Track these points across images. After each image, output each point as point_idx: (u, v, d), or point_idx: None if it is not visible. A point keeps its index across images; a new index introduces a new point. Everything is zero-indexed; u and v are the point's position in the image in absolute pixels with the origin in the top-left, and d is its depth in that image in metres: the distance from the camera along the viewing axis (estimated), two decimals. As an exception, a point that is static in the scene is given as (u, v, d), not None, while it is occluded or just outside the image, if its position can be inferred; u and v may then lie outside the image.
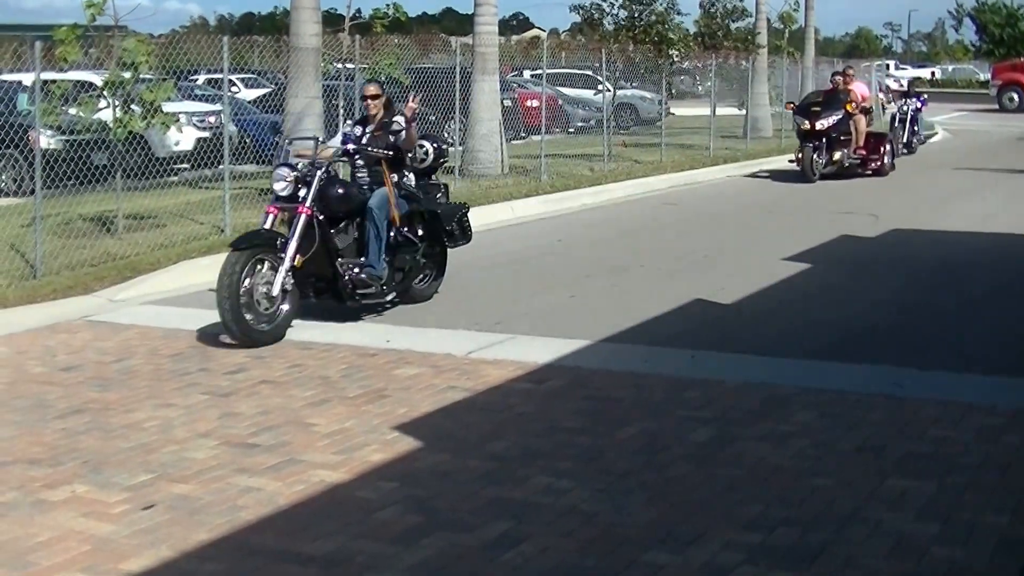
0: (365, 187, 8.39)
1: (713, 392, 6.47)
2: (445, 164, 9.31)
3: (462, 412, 6.15)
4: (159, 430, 5.81)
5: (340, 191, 8.06)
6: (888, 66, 54.92)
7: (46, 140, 11.56)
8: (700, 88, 35.03)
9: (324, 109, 14.54)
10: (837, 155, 18.79)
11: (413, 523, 4.59)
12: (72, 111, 11.50)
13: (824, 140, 18.64)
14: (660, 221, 14.46)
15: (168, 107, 11.68)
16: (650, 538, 4.44)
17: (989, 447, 5.51)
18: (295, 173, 7.86)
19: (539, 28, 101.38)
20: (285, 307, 7.65)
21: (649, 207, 15.94)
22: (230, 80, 13.94)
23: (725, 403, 6.27)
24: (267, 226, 7.79)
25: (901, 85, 26.32)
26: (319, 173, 7.83)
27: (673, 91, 27.31)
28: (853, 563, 4.22)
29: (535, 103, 22.18)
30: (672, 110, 30.12)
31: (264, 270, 7.55)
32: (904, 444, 5.55)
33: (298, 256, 7.61)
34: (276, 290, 7.54)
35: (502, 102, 18.51)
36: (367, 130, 8.57)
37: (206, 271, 10.11)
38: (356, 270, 8.04)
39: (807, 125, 18.61)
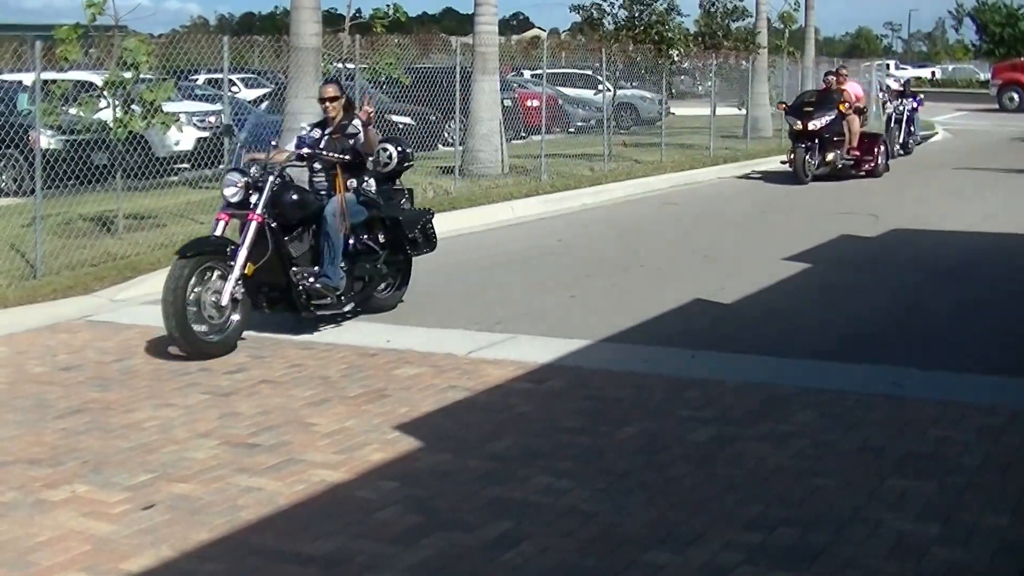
0: (323, 193, 8.06)
1: (713, 392, 6.47)
2: (410, 167, 9.00)
3: (462, 412, 6.15)
4: (159, 430, 5.81)
5: (294, 197, 7.73)
6: (888, 66, 54.88)
7: (46, 140, 11.56)
8: (700, 88, 35.02)
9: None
10: (830, 156, 18.52)
11: (413, 523, 4.59)
12: (72, 111, 11.50)
13: (817, 141, 18.36)
14: (660, 221, 14.46)
15: (168, 107, 11.68)
16: (650, 538, 4.44)
17: (989, 447, 5.51)
18: (246, 178, 7.53)
19: (539, 28, 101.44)
20: (235, 317, 7.35)
21: (649, 207, 15.94)
22: (230, 80, 13.94)
23: (725, 403, 6.27)
24: (217, 233, 7.48)
25: (901, 85, 26.25)
26: (271, 178, 7.51)
27: (673, 91, 27.31)
28: (853, 563, 4.22)
29: (535, 103, 22.18)
30: (672, 110, 30.12)
31: (213, 279, 7.25)
32: (904, 444, 5.55)
33: (249, 264, 7.33)
34: (225, 299, 7.23)
35: (502, 102, 18.50)
36: (326, 133, 8.24)
37: (206, 271, 10.14)
38: (311, 279, 7.69)
39: (799, 125, 18.36)
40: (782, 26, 29.90)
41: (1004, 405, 6.20)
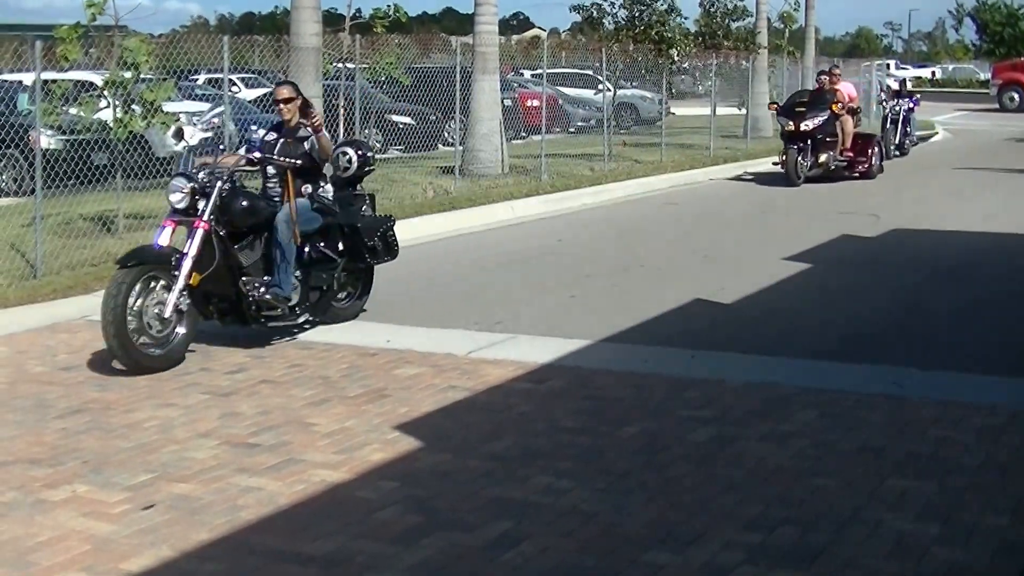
0: (277, 199, 7.73)
1: (713, 392, 6.47)
2: (371, 171, 8.54)
3: (462, 412, 6.15)
4: (159, 430, 5.81)
5: (244, 203, 7.39)
6: (888, 66, 54.89)
7: (46, 140, 11.56)
8: (700, 88, 35.02)
9: (324, 109, 14.54)
10: (823, 157, 18.15)
11: (413, 523, 4.59)
12: (72, 111, 11.50)
13: (809, 142, 17.99)
14: (660, 221, 14.46)
15: (168, 107, 11.68)
16: (650, 538, 4.44)
17: (989, 447, 5.51)
18: (192, 184, 7.20)
19: (539, 28, 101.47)
20: (180, 330, 7.02)
21: (649, 207, 15.95)
22: (230, 80, 13.94)
23: (725, 403, 6.27)
24: (162, 241, 7.14)
25: (907, 85, 26.25)
26: (219, 184, 7.22)
27: (673, 91, 27.30)
28: (853, 563, 4.22)
29: (535, 103, 22.18)
30: (672, 110, 30.13)
31: (157, 289, 6.93)
32: (904, 444, 5.55)
33: (194, 274, 7.01)
34: (169, 311, 6.90)
35: (502, 102, 18.51)
36: (281, 137, 7.91)
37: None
38: (261, 290, 7.39)
39: (791, 126, 17.98)
40: (782, 26, 29.90)
41: (1004, 405, 6.20)
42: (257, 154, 7.76)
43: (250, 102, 20.25)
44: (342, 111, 15.00)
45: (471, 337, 7.83)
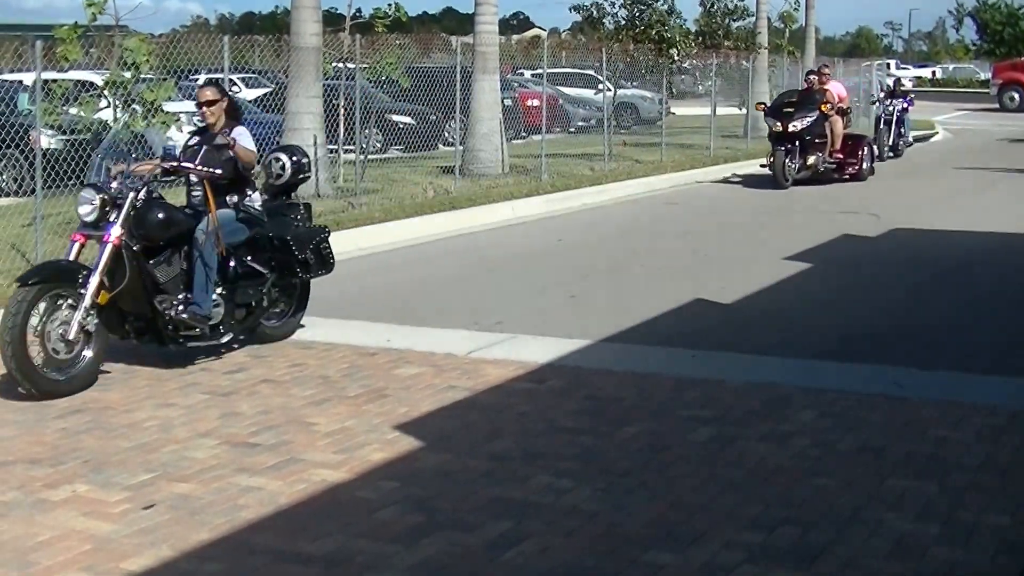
0: (201, 209, 7.14)
1: (714, 392, 6.47)
2: (306, 179, 8.06)
3: (463, 412, 6.15)
4: (160, 429, 5.81)
5: (160, 215, 6.82)
6: (889, 65, 54.88)
7: (47, 140, 11.56)
8: (700, 88, 35.03)
9: (324, 109, 14.56)
10: (811, 159, 17.67)
11: (414, 523, 4.59)
12: (73, 111, 11.50)
13: (797, 143, 17.50)
14: (661, 221, 14.46)
15: (169, 107, 11.68)
16: (651, 538, 4.44)
17: (990, 447, 5.51)
18: (102, 195, 6.68)
19: (539, 28, 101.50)
20: (88, 353, 6.50)
21: (650, 207, 15.95)
22: (231, 79, 13.94)
23: (726, 403, 6.27)
24: (71, 256, 6.66)
25: (901, 84, 26.12)
26: (131, 194, 6.69)
27: (673, 91, 27.32)
28: (853, 563, 4.22)
29: (535, 102, 22.18)
30: (673, 110, 30.13)
31: (63, 308, 6.41)
32: (905, 444, 5.55)
33: (103, 292, 6.50)
34: (73, 332, 6.38)
35: (502, 101, 18.51)
36: (204, 142, 7.40)
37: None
38: (179, 308, 6.85)
39: (779, 127, 17.46)
40: (782, 26, 29.93)
41: (1004, 405, 6.20)
42: (171, 163, 7.12)
43: (250, 102, 20.26)
44: (342, 111, 15.00)
45: (471, 337, 7.83)
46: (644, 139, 24.49)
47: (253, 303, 7.39)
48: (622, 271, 10.63)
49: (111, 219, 6.67)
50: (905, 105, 23.54)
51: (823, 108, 17.84)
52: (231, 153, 7.18)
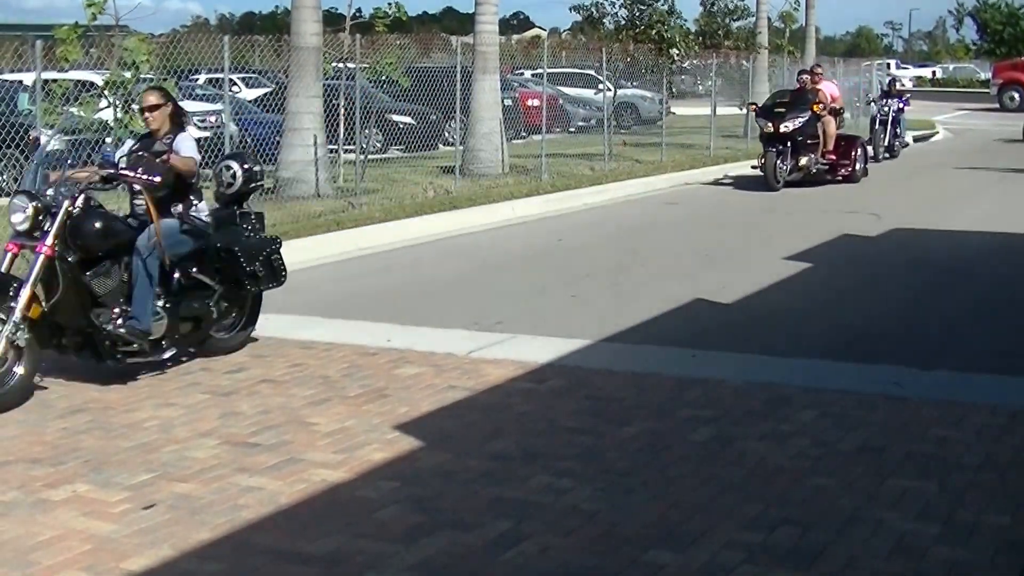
0: (146, 219, 6.76)
1: (714, 392, 6.47)
2: (259, 188, 7.71)
3: (463, 411, 6.15)
4: (160, 429, 5.81)
5: (97, 225, 6.50)
6: (889, 65, 54.88)
7: (46, 140, 11.56)
8: (701, 87, 35.05)
9: (325, 108, 14.56)
10: (803, 160, 17.33)
11: (414, 522, 4.59)
12: (73, 111, 11.50)
13: (789, 144, 17.17)
14: (661, 221, 14.46)
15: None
16: (651, 537, 4.44)
17: (990, 447, 5.51)
18: (35, 202, 6.35)
19: (540, 27, 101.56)
20: (19, 370, 6.16)
21: (650, 207, 15.95)
22: (231, 79, 13.94)
23: (726, 403, 6.27)
24: (3, 267, 6.35)
25: (902, 84, 26.03)
26: (66, 203, 6.37)
27: (674, 90, 27.33)
28: (854, 563, 4.22)
29: (536, 102, 22.19)
30: (673, 109, 30.14)
31: None
32: (905, 444, 5.55)
33: (34, 306, 6.22)
34: (0, 348, 6.07)
35: (503, 101, 18.51)
36: (146, 149, 7.10)
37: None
38: (118, 322, 6.51)
39: (770, 128, 17.19)
40: (783, 25, 29.93)
41: (1005, 405, 6.20)
42: (109, 170, 6.74)
43: (250, 102, 20.26)
44: (342, 111, 15.01)
45: (471, 337, 7.83)
46: (644, 139, 24.50)
47: (199, 316, 7.06)
48: (622, 271, 10.63)
49: (45, 228, 6.36)
50: (901, 105, 23.17)
51: (815, 108, 17.54)
52: (177, 161, 6.88)
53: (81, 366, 6.70)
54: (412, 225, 12.97)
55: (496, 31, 18.49)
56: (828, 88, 19.18)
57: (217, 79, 17.08)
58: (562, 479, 5.06)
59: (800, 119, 17.29)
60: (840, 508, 4.73)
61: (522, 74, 31.00)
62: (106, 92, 11.17)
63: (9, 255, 6.46)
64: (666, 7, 23.22)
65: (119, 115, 11.01)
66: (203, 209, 7.18)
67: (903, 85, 25.86)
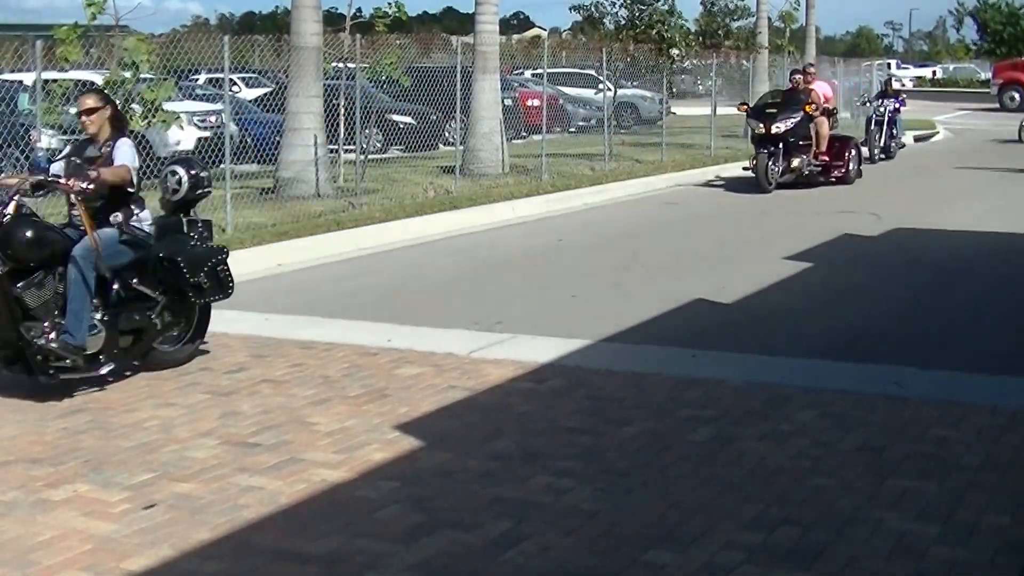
0: (82, 228, 6.42)
1: (714, 392, 6.47)
2: (205, 195, 7.31)
3: (463, 411, 6.15)
4: (160, 429, 5.82)
5: (28, 234, 6.16)
6: (889, 65, 54.89)
7: (47, 139, 11.56)
8: (701, 87, 35.06)
9: (325, 108, 14.56)
10: (795, 162, 16.98)
11: (414, 522, 4.59)
12: (73, 111, 11.51)
13: (781, 145, 16.79)
14: (661, 221, 14.46)
15: (168, 106, 11.69)
16: (651, 537, 4.45)
17: (990, 447, 5.51)
18: None
19: (540, 27, 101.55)
20: None
21: (650, 207, 15.95)
22: (231, 79, 13.95)
23: (726, 403, 6.27)
24: None
25: (903, 84, 25.96)
26: None
27: (674, 90, 27.34)
28: (854, 563, 4.22)
29: (536, 102, 22.20)
30: (673, 109, 30.15)
31: None
32: (905, 444, 5.55)
33: None
34: None
35: (503, 101, 18.52)
36: (74, 153, 6.83)
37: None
38: (50, 336, 6.18)
39: (762, 128, 16.77)
40: (783, 25, 29.94)
41: (1005, 405, 6.20)
42: (39, 176, 6.49)
43: (251, 102, 20.27)
44: (342, 110, 15.01)
45: (472, 337, 7.83)
46: (644, 139, 24.50)
47: (140, 329, 6.75)
48: (622, 271, 10.63)
49: None
50: (897, 105, 22.74)
51: (807, 109, 17.20)
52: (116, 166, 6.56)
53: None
54: (412, 225, 12.98)
55: (496, 31, 18.50)
56: (821, 88, 18.88)
57: (217, 79, 17.10)
58: (562, 479, 5.06)
59: (792, 120, 16.96)
60: (840, 508, 4.73)
61: (522, 74, 31.02)
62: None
63: None
64: (666, 7, 23.25)
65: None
66: (145, 218, 6.88)
67: (903, 85, 25.77)
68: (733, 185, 17.98)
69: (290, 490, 4.96)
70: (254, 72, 25.98)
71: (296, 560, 4.25)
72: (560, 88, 27.66)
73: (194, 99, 18.99)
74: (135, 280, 6.75)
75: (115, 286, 6.61)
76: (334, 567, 4.20)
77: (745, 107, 18.31)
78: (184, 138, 15.35)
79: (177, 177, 7.04)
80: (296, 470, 5.20)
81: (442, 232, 13.04)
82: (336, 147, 15.47)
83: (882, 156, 22.05)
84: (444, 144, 21.14)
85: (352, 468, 5.23)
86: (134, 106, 11.15)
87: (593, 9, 24.04)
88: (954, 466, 5.24)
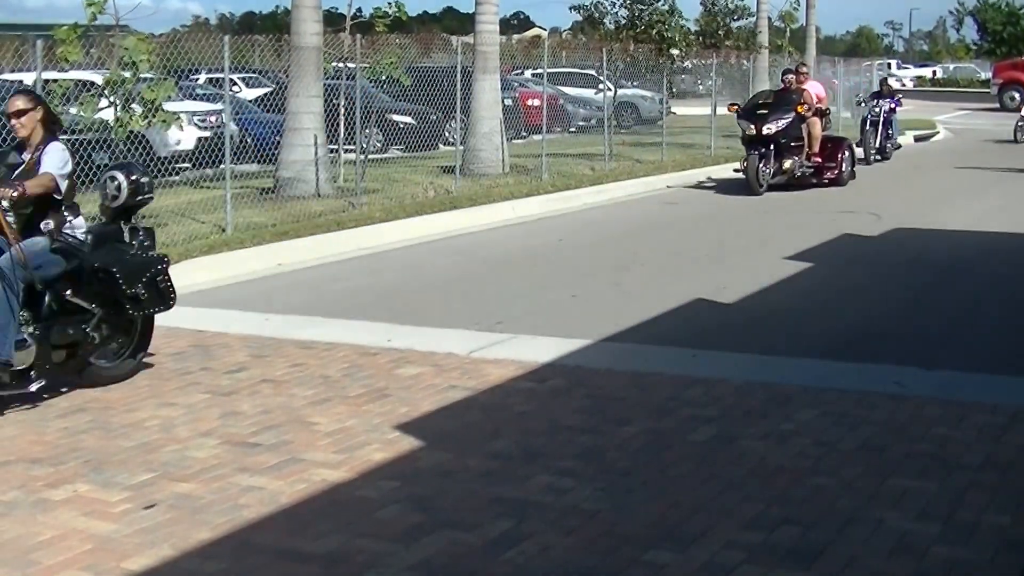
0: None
1: (715, 391, 6.47)
2: (146, 202, 6.93)
3: (463, 411, 6.15)
4: (160, 429, 5.82)
5: None
6: (890, 65, 54.88)
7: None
8: (701, 87, 35.05)
9: (325, 108, 14.56)
10: (787, 163, 16.68)
11: (414, 522, 4.59)
12: (73, 110, 11.51)
13: (772, 146, 16.50)
14: (661, 221, 14.46)
15: (168, 106, 11.68)
16: (651, 537, 4.44)
17: (991, 447, 5.51)
18: None
19: (540, 27, 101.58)
20: None
21: (650, 206, 15.94)
22: (231, 79, 13.95)
23: (727, 402, 6.27)
24: None
25: (903, 84, 25.93)
26: None
27: (674, 90, 27.34)
28: (854, 563, 4.22)
29: (536, 102, 22.20)
30: (673, 109, 30.15)
31: None
32: (905, 443, 5.54)
33: None
34: None
35: (503, 101, 18.51)
36: (23, 158, 6.44)
37: (207, 270, 10.14)
38: None
39: (752, 129, 16.44)
40: (783, 25, 29.95)
41: (1005, 404, 6.20)
42: None
43: (251, 101, 20.27)
44: (342, 110, 15.01)
45: (472, 337, 7.83)
46: (645, 139, 24.50)
47: (75, 343, 6.39)
48: (622, 271, 10.63)
49: None
50: (892, 105, 22.41)
51: (799, 109, 16.87)
52: (39, 171, 6.23)
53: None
54: (412, 225, 12.98)
55: (496, 31, 18.50)
56: (813, 88, 18.64)
57: (217, 79, 17.10)
58: (562, 479, 5.06)
59: (784, 120, 16.65)
60: (840, 508, 4.73)
61: (522, 74, 31.02)
62: (106, 92, 11.17)
63: None
64: (666, 7, 23.26)
65: (119, 114, 11.01)
66: (79, 224, 6.56)
67: (903, 84, 25.75)
68: (733, 185, 17.86)
69: (290, 490, 4.96)
70: (254, 72, 25.99)
71: (296, 560, 4.25)
72: (560, 88, 27.66)
73: (194, 99, 18.99)
74: (68, 292, 6.40)
75: (47, 298, 6.28)
76: (334, 567, 4.20)
77: (735, 108, 17.85)
78: (184, 138, 15.37)
79: (116, 183, 6.69)
80: (296, 470, 5.20)
81: (442, 232, 13.04)
82: (336, 147, 15.47)
83: (877, 157, 21.81)
84: (444, 144, 21.14)
85: (352, 468, 5.23)
86: (134, 106, 11.15)
87: (593, 9, 24.05)
88: (955, 465, 5.24)
